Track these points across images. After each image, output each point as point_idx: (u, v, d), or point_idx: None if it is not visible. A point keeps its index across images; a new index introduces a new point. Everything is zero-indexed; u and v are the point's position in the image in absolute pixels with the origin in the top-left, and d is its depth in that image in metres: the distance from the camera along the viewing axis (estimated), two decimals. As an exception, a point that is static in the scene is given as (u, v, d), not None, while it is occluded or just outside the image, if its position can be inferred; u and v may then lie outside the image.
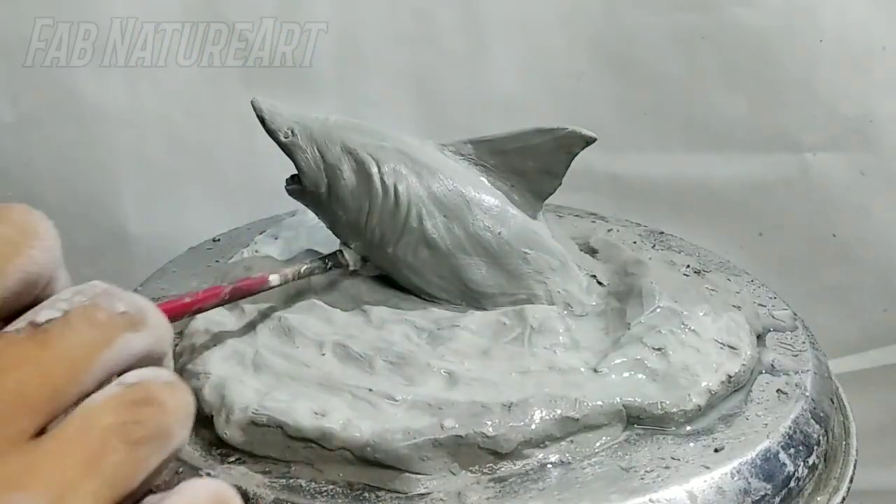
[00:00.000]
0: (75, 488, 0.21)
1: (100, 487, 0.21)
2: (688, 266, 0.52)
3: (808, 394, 0.43)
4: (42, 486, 0.20)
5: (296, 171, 0.48)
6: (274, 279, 0.43)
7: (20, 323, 0.22)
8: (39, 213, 0.23)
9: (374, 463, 0.37)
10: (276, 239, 0.55)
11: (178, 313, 0.36)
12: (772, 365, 0.45)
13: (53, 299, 0.23)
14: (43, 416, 0.21)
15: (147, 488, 0.23)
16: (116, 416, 0.22)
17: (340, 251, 0.48)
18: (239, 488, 0.37)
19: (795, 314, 0.51)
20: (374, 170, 0.46)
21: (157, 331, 0.24)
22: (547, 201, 0.49)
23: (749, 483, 0.38)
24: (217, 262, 0.54)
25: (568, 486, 0.37)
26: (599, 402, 0.39)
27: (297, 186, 0.48)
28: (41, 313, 0.22)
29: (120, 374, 0.23)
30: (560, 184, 0.48)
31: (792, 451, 0.40)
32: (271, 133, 0.47)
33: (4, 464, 0.20)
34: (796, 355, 0.46)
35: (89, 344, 0.22)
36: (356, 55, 0.81)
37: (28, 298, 0.23)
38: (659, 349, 0.43)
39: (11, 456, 0.21)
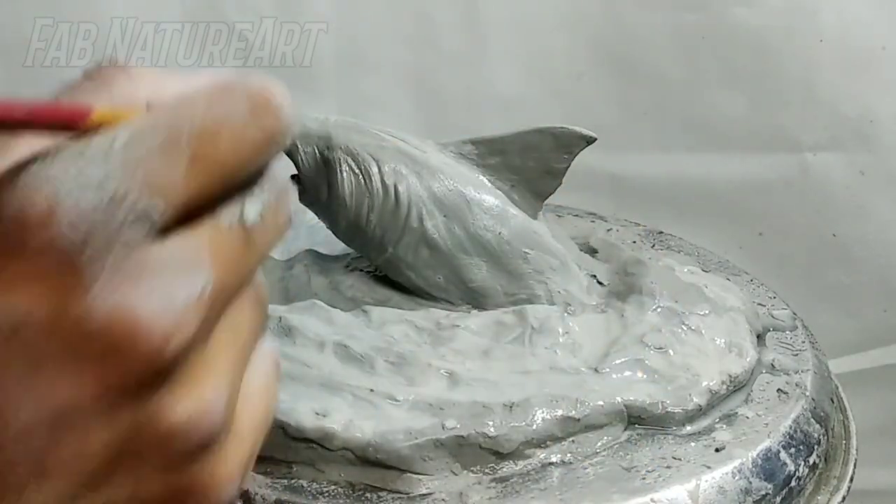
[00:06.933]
0: None
1: None
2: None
3: (808, 393, 0.43)
4: None
5: (296, 171, 0.48)
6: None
7: (231, 215, 0.23)
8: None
9: (375, 463, 0.37)
10: (276, 239, 0.55)
11: None
12: (772, 364, 0.45)
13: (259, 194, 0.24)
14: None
15: None
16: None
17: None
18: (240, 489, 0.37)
19: (795, 314, 0.51)
20: (375, 170, 0.46)
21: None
22: (547, 201, 0.49)
23: (750, 482, 0.38)
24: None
25: (569, 486, 0.37)
26: (600, 402, 0.39)
27: (297, 186, 0.48)
28: (249, 210, 0.24)
29: None
30: (560, 184, 0.48)
31: (792, 450, 0.40)
32: (271, 133, 0.47)
33: None
34: (796, 355, 0.46)
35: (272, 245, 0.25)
36: (356, 55, 0.80)
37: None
38: (660, 349, 0.43)
39: None
